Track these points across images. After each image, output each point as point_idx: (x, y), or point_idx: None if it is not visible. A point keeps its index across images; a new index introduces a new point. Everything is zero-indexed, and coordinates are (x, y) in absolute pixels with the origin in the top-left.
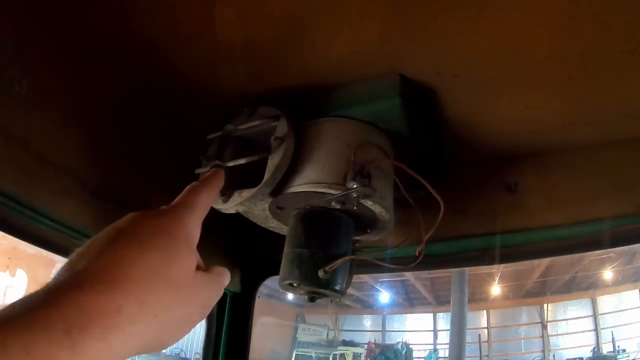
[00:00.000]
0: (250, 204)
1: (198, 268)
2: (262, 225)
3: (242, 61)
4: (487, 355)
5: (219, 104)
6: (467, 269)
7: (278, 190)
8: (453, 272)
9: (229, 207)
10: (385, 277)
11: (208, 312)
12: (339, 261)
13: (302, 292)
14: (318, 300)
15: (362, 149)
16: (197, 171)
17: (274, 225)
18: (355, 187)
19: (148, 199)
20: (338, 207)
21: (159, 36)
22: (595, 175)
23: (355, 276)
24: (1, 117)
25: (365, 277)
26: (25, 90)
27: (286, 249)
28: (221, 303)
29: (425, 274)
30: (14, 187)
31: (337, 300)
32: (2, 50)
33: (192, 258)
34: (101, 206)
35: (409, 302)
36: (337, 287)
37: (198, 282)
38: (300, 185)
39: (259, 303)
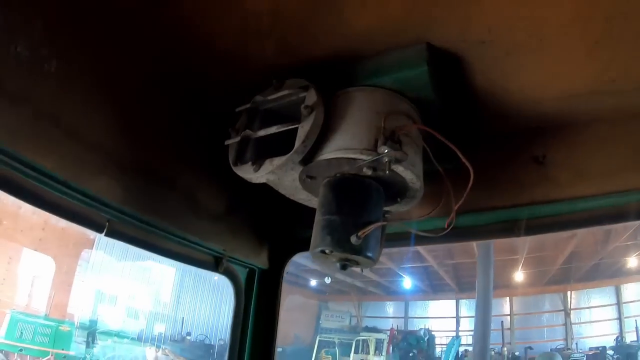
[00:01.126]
0: (281, 173)
1: None
2: (291, 198)
3: (270, 33)
4: (510, 343)
5: (247, 78)
6: (492, 255)
7: (309, 158)
8: (478, 257)
9: (260, 176)
10: (408, 263)
11: None
12: (372, 227)
13: (334, 259)
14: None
15: (391, 116)
16: (227, 142)
17: (303, 197)
18: (387, 152)
19: (173, 174)
20: (369, 173)
21: (189, 12)
22: (623, 147)
23: (378, 262)
24: (32, 94)
25: (388, 263)
26: (54, 68)
27: (317, 217)
28: (249, 279)
29: (448, 260)
30: (44, 161)
31: (358, 285)
32: (33, 30)
33: None
34: (130, 182)
35: (432, 288)
36: (370, 254)
37: None
38: (331, 152)
39: (283, 289)
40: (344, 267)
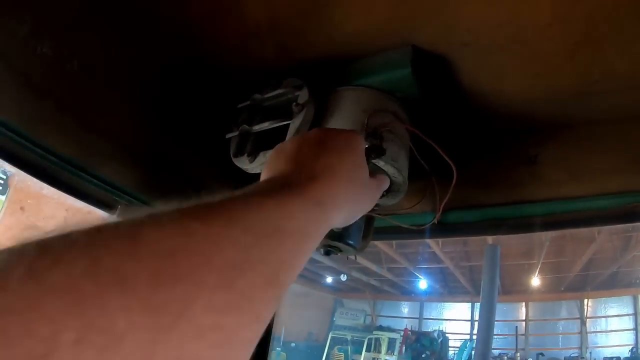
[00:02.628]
0: None
1: (370, 175)
2: None
3: (268, 36)
4: (524, 349)
5: (248, 77)
6: (499, 260)
7: None
8: (484, 262)
9: (255, 167)
10: (424, 264)
11: (371, 206)
12: None
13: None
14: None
15: (377, 114)
16: (228, 136)
17: None
18: (367, 147)
19: (185, 162)
20: None
21: (197, 15)
22: (616, 148)
23: (394, 262)
24: (55, 89)
25: (404, 263)
26: (76, 66)
27: None
28: None
29: (464, 262)
30: (64, 149)
31: (352, 258)
32: (56, 33)
33: (367, 167)
34: (143, 169)
35: (447, 290)
36: (351, 241)
37: (372, 184)
38: None
39: (298, 287)
40: (327, 253)
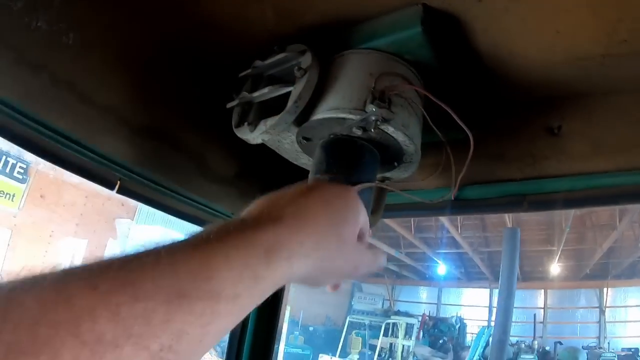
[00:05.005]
0: (275, 133)
1: (361, 239)
2: (295, 163)
3: (268, 0)
4: (542, 337)
5: (249, 45)
6: (519, 243)
7: (303, 119)
8: (504, 246)
9: (255, 136)
10: (443, 249)
11: (356, 274)
12: (359, 186)
13: None
14: None
15: (385, 77)
16: (229, 105)
17: (304, 161)
18: (374, 111)
19: (183, 137)
20: (359, 133)
21: None
22: None
23: (413, 247)
24: (50, 63)
25: (423, 248)
26: (72, 40)
27: (309, 177)
28: None
29: (483, 247)
30: (60, 123)
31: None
32: (51, 6)
33: (357, 226)
34: (141, 143)
35: (466, 276)
36: None
37: (357, 246)
38: (323, 112)
39: None
40: None
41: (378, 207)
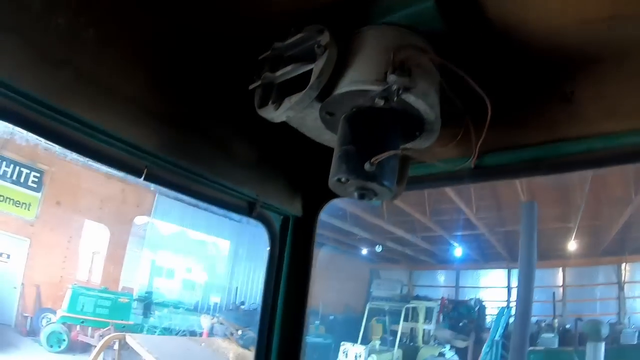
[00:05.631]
0: (299, 110)
1: None
2: (317, 140)
3: None
4: (561, 315)
5: (267, 28)
6: (537, 216)
7: (325, 94)
8: (522, 224)
9: (280, 114)
10: (459, 231)
11: None
12: (385, 154)
13: (351, 188)
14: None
15: (402, 49)
16: (251, 87)
17: (327, 137)
18: (395, 80)
19: (206, 123)
20: (381, 104)
21: None
22: None
23: (428, 230)
24: (73, 58)
25: (439, 231)
26: (92, 35)
27: (335, 150)
28: (284, 226)
29: (499, 227)
30: (87, 115)
31: (388, 202)
32: (70, 3)
33: None
34: (166, 131)
35: (483, 257)
36: (386, 182)
37: None
38: (345, 86)
39: (334, 259)
40: (361, 197)
41: (402, 178)
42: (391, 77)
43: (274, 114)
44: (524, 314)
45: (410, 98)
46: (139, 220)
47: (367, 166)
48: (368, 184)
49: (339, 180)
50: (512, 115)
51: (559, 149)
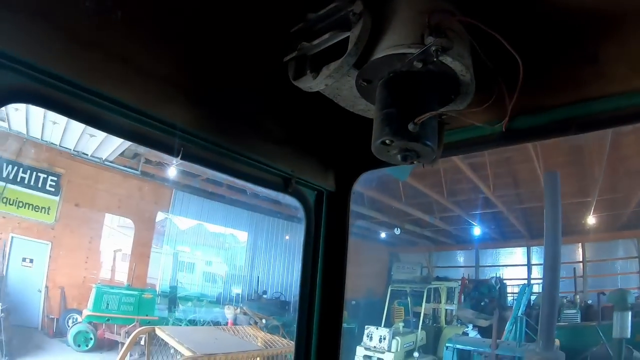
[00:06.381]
0: (338, 77)
1: None
2: (352, 110)
3: None
4: (582, 291)
5: (300, 1)
6: (559, 186)
7: (362, 61)
8: (545, 189)
9: (319, 82)
10: (477, 210)
11: None
12: (428, 114)
13: (395, 151)
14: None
15: (435, 13)
16: (286, 59)
17: (362, 107)
18: (434, 41)
19: (238, 100)
20: (419, 67)
21: None
22: None
23: (446, 211)
24: (102, 40)
25: (457, 210)
26: (120, 17)
27: (375, 114)
28: (318, 201)
29: (517, 205)
30: (120, 96)
31: (428, 165)
32: None
33: None
34: (198, 109)
35: (502, 235)
36: (429, 142)
37: None
38: (381, 51)
39: (353, 244)
40: (405, 159)
41: (440, 142)
42: (429, 39)
43: (312, 83)
44: (551, 284)
45: (447, 59)
46: (158, 216)
47: (410, 126)
48: (412, 144)
49: (382, 142)
50: (539, 77)
51: (587, 108)
